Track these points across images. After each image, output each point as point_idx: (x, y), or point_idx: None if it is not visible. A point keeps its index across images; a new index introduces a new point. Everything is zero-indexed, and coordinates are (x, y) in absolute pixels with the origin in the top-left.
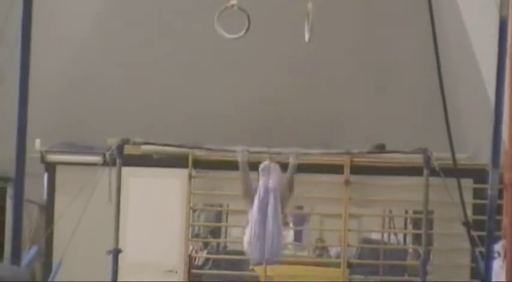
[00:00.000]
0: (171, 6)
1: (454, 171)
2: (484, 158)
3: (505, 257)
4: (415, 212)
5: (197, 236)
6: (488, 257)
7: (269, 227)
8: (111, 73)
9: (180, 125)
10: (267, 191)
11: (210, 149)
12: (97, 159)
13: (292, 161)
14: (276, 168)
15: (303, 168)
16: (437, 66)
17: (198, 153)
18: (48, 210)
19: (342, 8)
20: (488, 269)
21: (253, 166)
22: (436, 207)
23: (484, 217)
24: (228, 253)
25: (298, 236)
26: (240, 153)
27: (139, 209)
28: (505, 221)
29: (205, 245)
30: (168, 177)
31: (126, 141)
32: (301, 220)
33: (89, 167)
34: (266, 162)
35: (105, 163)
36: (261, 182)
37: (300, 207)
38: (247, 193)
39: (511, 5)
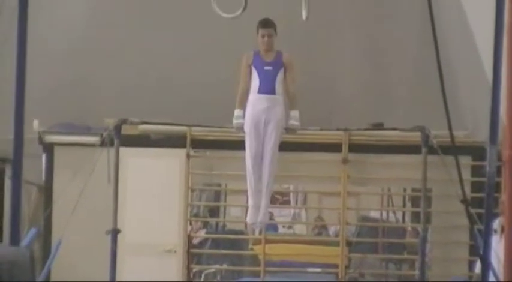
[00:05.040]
0: None
1: (452, 149)
2: (482, 135)
3: (502, 233)
4: (413, 190)
5: (196, 215)
6: (486, 234)
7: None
8: (109, 53)
9: (178, 105)
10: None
11: (207, 126)
12: (95, 139)
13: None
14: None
15: (300, 147)
16: (435, 43)
17: (196, 133)
18: (46, 191)
19: None
20: (486, 246)
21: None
22: (434, 185)
23: (483, 194)
24: (226, 232)
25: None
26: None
27: (138, 189)
28: (503, 197)
29: (205, 224)
30: (166, 157)
31: (123, 121)
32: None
33: (87, 148)
34: None
35: (103, 143)
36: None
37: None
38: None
39: None
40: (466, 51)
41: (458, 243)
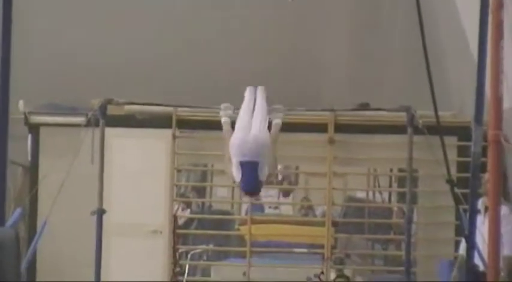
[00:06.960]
0: None
1: (438, 129)
2: (468, 116)
3: (485, 213)
4: (399, 170)
5: (182, 196)
6: (472, 214)
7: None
8: (95, 33)
9: (164, 85)
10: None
11: (193, 107)
12: (81, 120)
13: (276, 121)
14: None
15: (286, 127)
16: (420, 23)
17: (182, 113)
18: (32, 171)
19: None
20: (471, 226)
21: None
22: (420, 166)
23: (468, 175)
24: (212, 213)
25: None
26: (223, 111)
27: (123, 169)
28: (489, 177)
29: (190, 205)
30: (152, 137)
31: (109, 101)
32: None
33: (73, 128)
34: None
35: (88, 124)
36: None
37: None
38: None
39: None
40: (452, 31)
41: (444, 223)
